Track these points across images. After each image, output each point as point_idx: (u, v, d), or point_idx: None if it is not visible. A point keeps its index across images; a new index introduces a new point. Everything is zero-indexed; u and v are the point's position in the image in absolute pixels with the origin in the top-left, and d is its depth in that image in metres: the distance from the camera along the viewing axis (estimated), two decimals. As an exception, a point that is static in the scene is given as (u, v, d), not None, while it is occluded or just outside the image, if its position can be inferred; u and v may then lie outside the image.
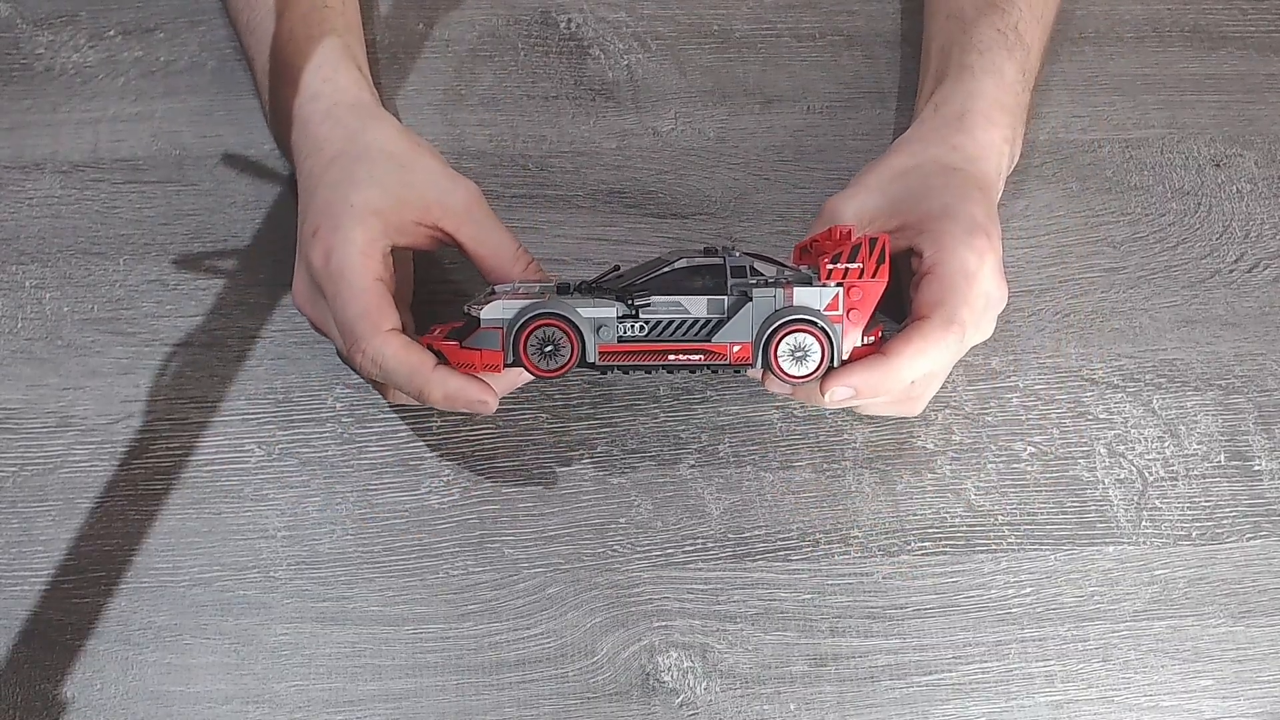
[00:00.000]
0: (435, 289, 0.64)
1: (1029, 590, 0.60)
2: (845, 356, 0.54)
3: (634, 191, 0.67)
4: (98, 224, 0.65)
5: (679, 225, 0.66)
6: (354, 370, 0.57)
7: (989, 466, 0.62)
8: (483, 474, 0.61)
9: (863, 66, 0.70)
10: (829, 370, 0.54)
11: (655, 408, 0.62)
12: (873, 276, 0.54)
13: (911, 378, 0.54)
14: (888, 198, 0.59)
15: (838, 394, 0.53)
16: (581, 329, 0.53)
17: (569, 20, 0.71)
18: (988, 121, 0.61)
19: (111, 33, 0.70)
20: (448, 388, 0.54)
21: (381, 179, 0.57)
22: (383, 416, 0.62)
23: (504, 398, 0.62)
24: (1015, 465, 0.62)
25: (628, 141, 0.68)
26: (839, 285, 0.53)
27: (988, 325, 0.57)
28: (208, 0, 0.70)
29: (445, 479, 0.61)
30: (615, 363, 0.53)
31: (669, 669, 0.58)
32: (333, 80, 0.61)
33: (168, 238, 0.65)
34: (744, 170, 0.68)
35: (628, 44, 0.71)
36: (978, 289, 0.55)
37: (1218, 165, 0.69)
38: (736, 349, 0.53)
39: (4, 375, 0.62)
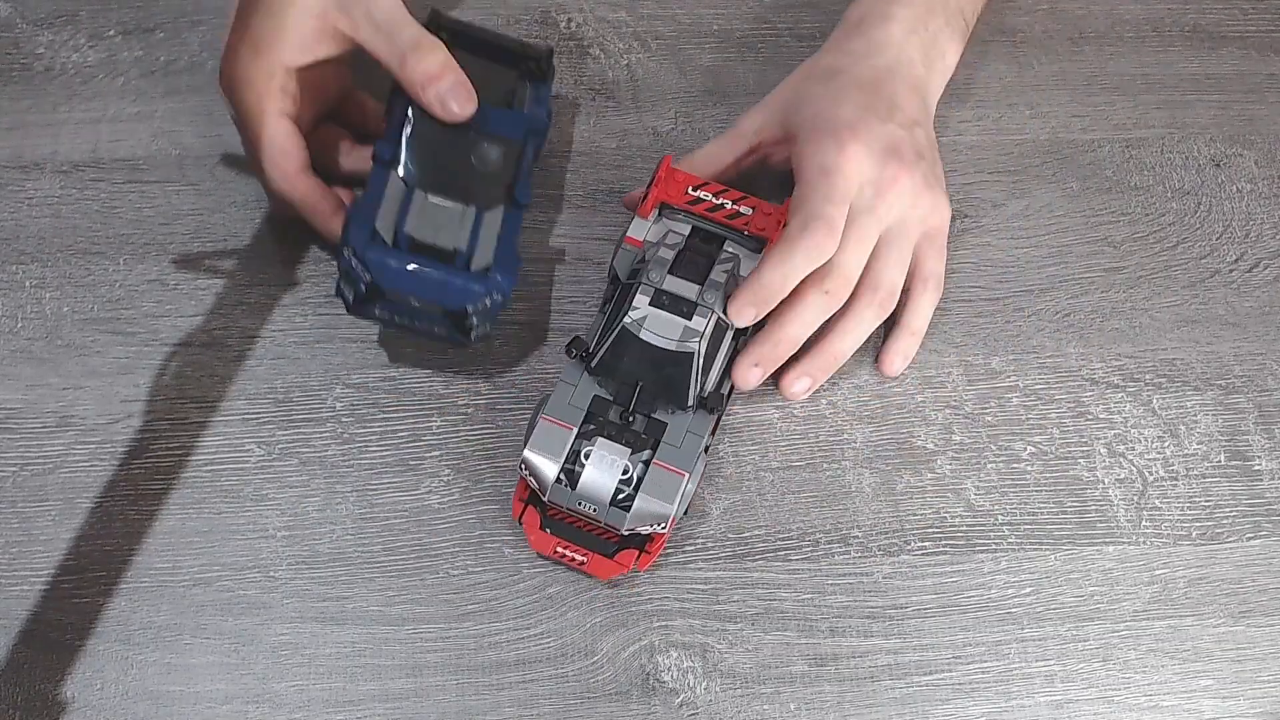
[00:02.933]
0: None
1: (1029, 590, 0.60)
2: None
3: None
4: (98, 224, 0.65)
5: (679, 225, 0.66)
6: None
7: (989, 466, 0.62)
8: (483, 474, 0.61)
9: (863, 66, 0.70)
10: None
11: (655, 408, 0.62)
12: None
13: (785, 283, 0.56)
14: (778, 113, 0.62)
15: (743, 315, 0.57)
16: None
17: (569, 20, 0.71)
18: (883, 18, 0.63)
19: (111, 33, 0.70)
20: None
21: None
22: (382, 416, 0.62)
23: (502, 396, 0.62)
24: (1015, 465, 0.62)
25: (628, 141, 0.68)
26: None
27: (911, 214, 0.59)
28: (208, 0, 0.70)
29: (445, 479, 0.61)
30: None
31: (669, 669, 0.58)
32: None
33: (168, 238, 0.65)
34: (744, 170, 0.67)
35: (628, 44, 0.71)
36: (839, 181, 0.57)
37: (1218, 165, 0.69)
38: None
39: (4, 375, 0.62)
